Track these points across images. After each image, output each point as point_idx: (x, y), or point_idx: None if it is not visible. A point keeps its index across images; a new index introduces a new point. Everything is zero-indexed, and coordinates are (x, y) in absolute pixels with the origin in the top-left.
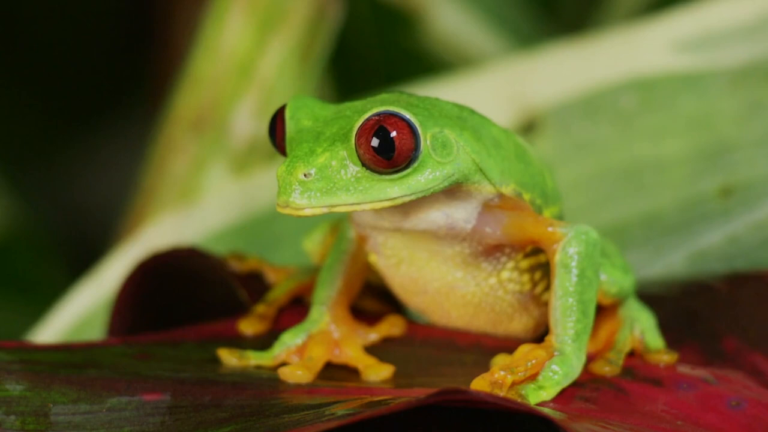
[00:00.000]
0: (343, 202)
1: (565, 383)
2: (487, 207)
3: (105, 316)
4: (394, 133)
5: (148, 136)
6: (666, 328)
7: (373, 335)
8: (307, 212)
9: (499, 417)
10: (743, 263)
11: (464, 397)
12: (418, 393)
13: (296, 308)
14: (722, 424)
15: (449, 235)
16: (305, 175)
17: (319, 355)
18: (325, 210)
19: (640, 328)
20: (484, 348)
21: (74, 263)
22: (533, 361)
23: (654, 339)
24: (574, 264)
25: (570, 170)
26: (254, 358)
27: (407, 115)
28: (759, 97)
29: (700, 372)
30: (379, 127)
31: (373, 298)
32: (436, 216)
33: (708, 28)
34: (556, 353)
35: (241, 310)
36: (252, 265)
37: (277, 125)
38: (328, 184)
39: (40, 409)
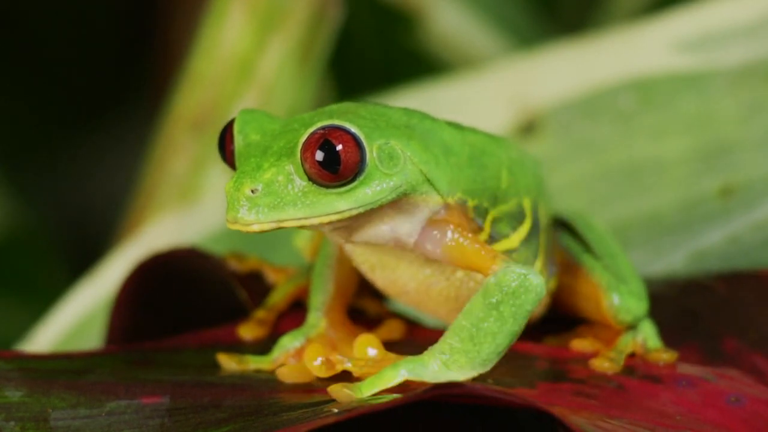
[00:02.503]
0: (290, 216)
1: (401, 378)
2: (431, 222)
3: (105, 316)
4: (339, 147)
5: (149, 136)
6: (666, 328)
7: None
8: (255, 228)
9: (497, 412)
10: (743, 263)
11: (462, 391)
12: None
13: (296, 312)
14: (722, 419)
15: (398, 247)
16: (252, 191)
17: (312, 360)
18: (274, 225)
19: (642, 335)
20: None
21: (74, 263)
22: (375, 357)
23: (655, 344)
24: (492, 293)
25: (570, 170)
26: (253, 362)
27: (352, 128)
28: (759, 97)
29: (699, 370)
30: (324, 140)
31: (373, 299)
32: (383, 230)
33: (708, 28)
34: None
35: (241, 310)
36: (252, 265)
37: (226, 140)
38: (276, 200)
39: (39, 415)
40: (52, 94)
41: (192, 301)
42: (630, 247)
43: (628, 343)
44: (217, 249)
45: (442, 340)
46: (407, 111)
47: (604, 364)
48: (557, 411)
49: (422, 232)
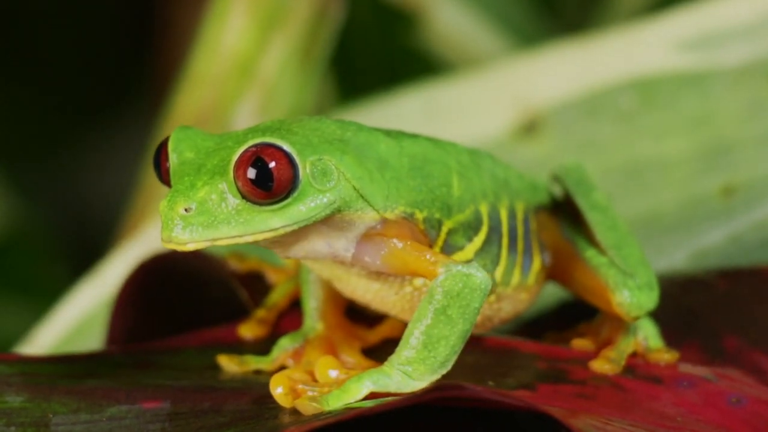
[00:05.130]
0: (224, 235)
1: (366, 390)
2: (366, 236)
3: (106, 316)
4: (272, 164)
5: (149, 136)
6: (666, 326)
7: (372, 338)
8: (191, 247)
9: (497, 413)
10: (744, 262)
11: (462, 394)
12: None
13: (297, 312)
14: (723, 420)
15: (336, 262)
16: (186, 210)
17: (316, 359)
18: (209, 244)
19: (643, 334)
20: (485, 347)
21: (75, 263)
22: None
23: (656, 343)
24: (437, 298)
25: None
26: (254, 363)
27: (284, 145)
28: (760, 96)
29: (700, 370)
30: (256, 158)
31: None
32: (319, 245)
33: (709, 28)
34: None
35: (242, 310)
36: (252, 265)
37: (161, 158)
38: (210, 218)
39: (40, 420)
40: (53, 94)
41: (192, 301)
42: None
43: (629, 343)
44: (217, 249)
45: (397, 350)
46: (342, 124)
47: (605, 366)
48: (558, 413)
49: (358, 246)
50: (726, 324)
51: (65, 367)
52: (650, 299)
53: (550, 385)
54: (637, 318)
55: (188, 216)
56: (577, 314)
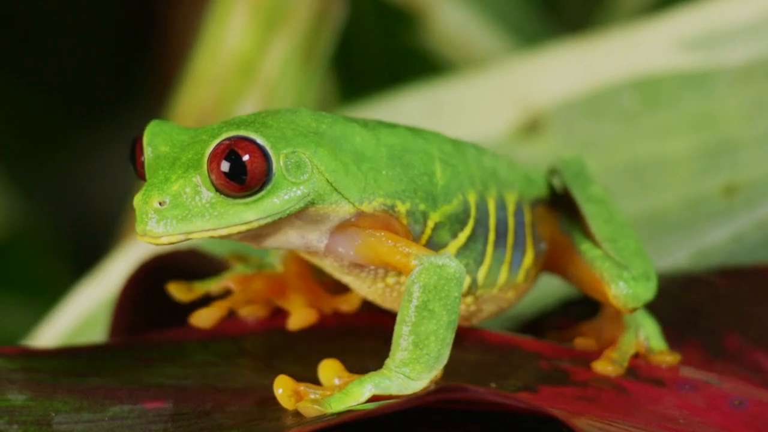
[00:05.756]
0: (198, 228)
1: (368, 393)
2: (339, 227)
3: (107, 315)
4: (246, 157)
5: None
6: (667, 325)
7: (326, 303)
8: (165, 240)
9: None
10: (746, 261)
11: (464, 396)
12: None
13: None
14: (725, 422)
15: (309, 253)
16: (160, 203)
17: (260, 290)
18: (183, 237)
19: (645, 333)
20: (487, 344)
21: (77, 262)
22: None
23: (658, 344)
24: (416, 295)
25: None
26: (201, 288)
27: (258, 138)
28: (763, 95)
29: (702, 373)
30: (230, 151)
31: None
32: (293, 236)
33: (712, 27)
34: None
35: None
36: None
37: (136, 152)
38: (184, 211)
39: (42, 419)
40: (55, 93)
41: (193, 301)
42: None
43: (631, 344)
44: (218, 249)
45: (391, 354)
46: (318, 116)
47: (608, 368)
48: (560, 414)
49: (332, 237)
50: (727, 323)
51: (68, 363)
52: (647, 290)
53: (552, 387)
54: (634, 310)
55: (162, 209)
56: (580, 312)
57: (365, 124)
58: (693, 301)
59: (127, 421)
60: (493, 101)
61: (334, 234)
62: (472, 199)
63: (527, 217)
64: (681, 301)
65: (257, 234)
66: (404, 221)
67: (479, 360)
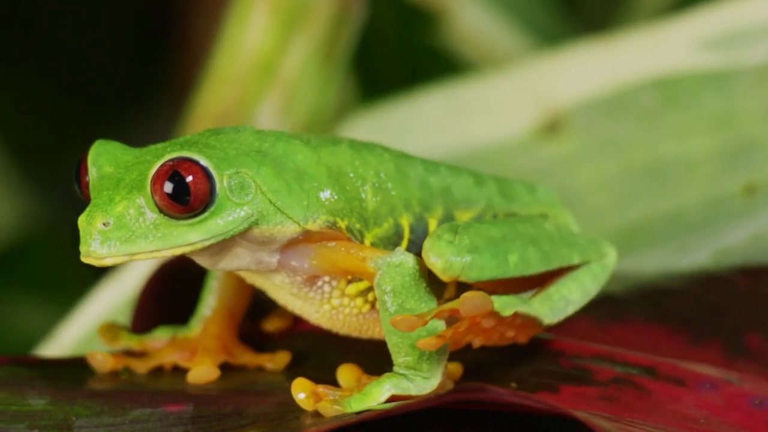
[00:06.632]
0: (142, 249)
1: (387, 393)
2: (289, 244)
3: (128, 315)
4: (189, 178)
5: (171, 135)
6: (688, 324)
7: (240, 359)
8: (108, 261)
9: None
10: (767, 260)
11: (485, 397)
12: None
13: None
14: (746, 422)
15: (261, 269)
16: (104, 224)
17: (162, 356)
18: (126, 258)
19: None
20: None
21: None
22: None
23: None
24: (389, 301)
25: (594, 169)
26: (125, 339)
27: (201, 159)
28: None
29: (722, 371)
30: (173, 172)
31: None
32: (243, 255)
33: (732, 27)
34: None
35: (263, 308)
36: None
37: (81, 172)
38: (127, 233)
39: (63, 423)
40: (74, 93)
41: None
42: (654, 246)
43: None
44: None
45: (394, 361)
46: (260, 135)
47: None
48: (581, 416)
49: (283, 253)
50: (748, 322)
51: (88, 370)
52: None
53: (574, 387)
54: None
55: (106, 231)
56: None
57: (308, 141)
58: (714, 300)
59: (147, 425)
60: (514, 101)
61: (285, 250)
62: (405, 222)
63: None
64: (702, 301)
65: (205, 254)
66: (346, 236)
67: (500, 358)
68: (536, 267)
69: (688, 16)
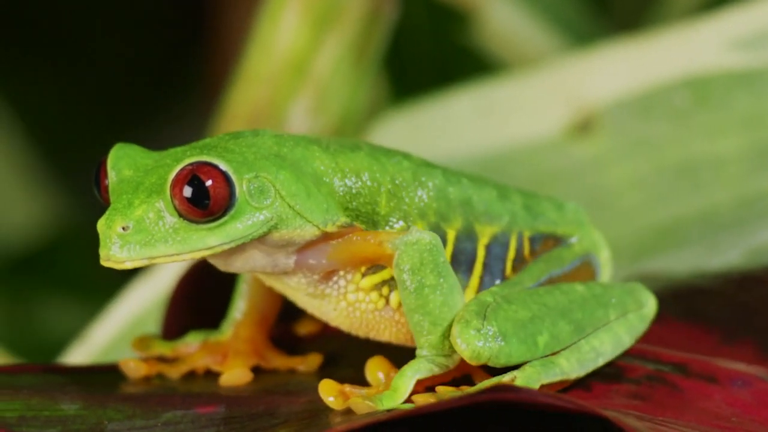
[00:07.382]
0: (162, 253)
1: (413, 381)
2: (308, 244)
3: (159, 315)
4: (208, 182)
5: (204, 134)
6: (720, 323)
7: (273, 362)
8: (128, 265)
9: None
10: None
11: (514, 398)
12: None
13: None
14: None
15: (277, 272)
16: (124, 228)
17: (194, 361)
18: (146, 262)
19: None
20: None
21: None
22: (382, 375)
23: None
24: (409, 279)
25: (626, 168)
26: (157, 347)
27: (221, 163)
28: None
29: (754, 369)
30: (192, 176)
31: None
32: (259, 257)
33: (762, 27)
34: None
35: (293, 310)
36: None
37: (100, 175)
38: (147, 236)
39: (95, 427)
40: (104, 93)
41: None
42: (686, 245)
43: None
44: None
45: (418, 344)
46: (279, 139)
47: None
48: (611, 415)
49: (299, 254)
50: None
51: (120, 376)
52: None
53: (606, 385)
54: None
55: (126, 234)
56: None
57: (326, 147)
58: (746, 299)
59: (179, 426)
60: (545, 101)
61: (302, 251)
62: (421, 228)
63: (510, 251)
64: (734, 300)
65: (223, 257)
66: (362, 228)
67: None
68: (568, 340)
69: (720, 16)
